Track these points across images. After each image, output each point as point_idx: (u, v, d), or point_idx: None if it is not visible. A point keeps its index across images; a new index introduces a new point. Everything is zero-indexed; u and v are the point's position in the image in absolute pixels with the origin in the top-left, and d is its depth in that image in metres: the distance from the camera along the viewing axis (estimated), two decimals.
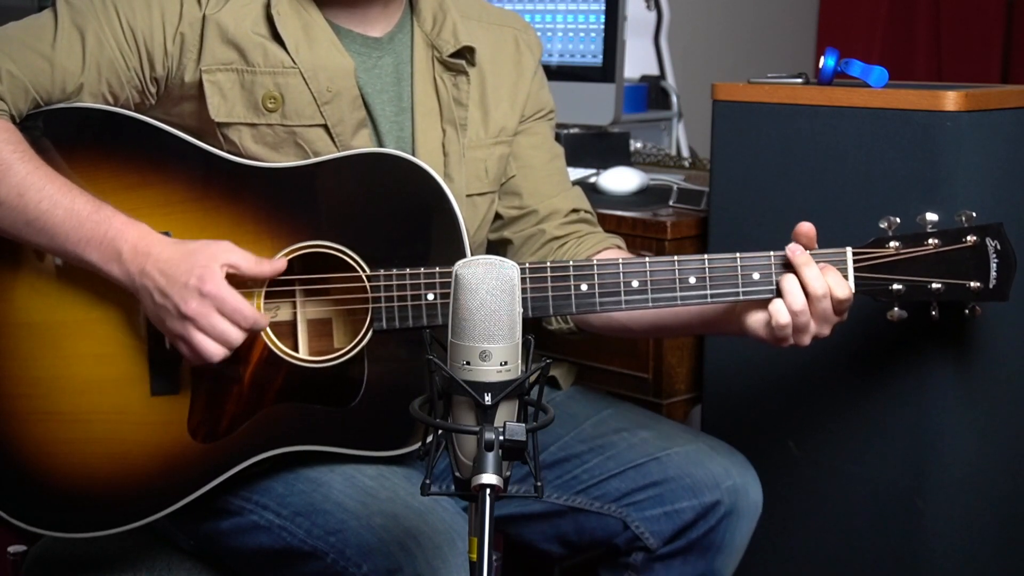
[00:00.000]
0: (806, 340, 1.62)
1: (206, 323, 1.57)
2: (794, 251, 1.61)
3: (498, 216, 1.89)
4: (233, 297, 1.58)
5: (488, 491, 1.21)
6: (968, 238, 1.61)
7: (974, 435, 1.89)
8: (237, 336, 1.59)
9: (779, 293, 1.61)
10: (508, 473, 1.27)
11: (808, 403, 2.00)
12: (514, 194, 1.89)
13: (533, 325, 1.80)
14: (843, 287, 1.60)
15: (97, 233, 1.59)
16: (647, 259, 1.66)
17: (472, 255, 1.68)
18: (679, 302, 1.64)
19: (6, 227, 1.61)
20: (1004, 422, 1.93)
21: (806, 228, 1.62)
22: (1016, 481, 1.97)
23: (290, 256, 1.66)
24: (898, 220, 1.63)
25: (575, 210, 1.89)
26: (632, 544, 1.81)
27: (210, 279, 1.57)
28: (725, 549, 1.80)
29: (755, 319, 1.64)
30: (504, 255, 1.88)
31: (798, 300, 1.59)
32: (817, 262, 1.61)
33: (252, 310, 1.60)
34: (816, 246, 1.63)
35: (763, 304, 1.63)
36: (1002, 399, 1.92)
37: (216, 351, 1.59)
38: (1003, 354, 1.90)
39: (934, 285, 1.62)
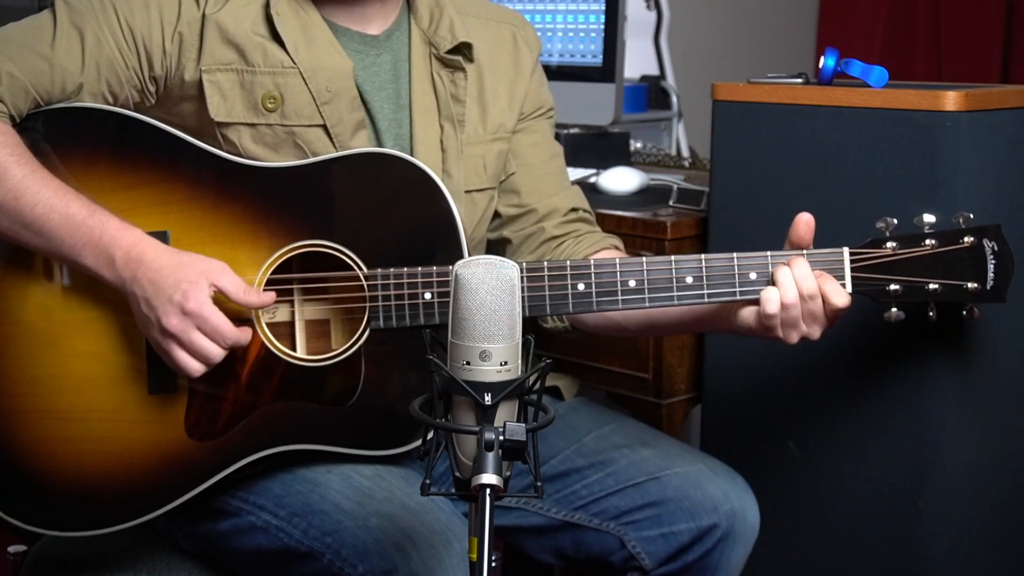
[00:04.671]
0: (794, 337, 1.61)
1: (186, 339, 1.58)
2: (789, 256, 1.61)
3: (497, 215, 1.89)
4: (214, 316, 1.58)
5: (488, 491, 1.21)
6: (965, 239, 1.61)
7: (974, 435, 1.89)
8: (216, 354, 1.59)
9: (772, 284, 1.61)
10: (508, 473, 1.27)
11: (808, 403, 1.99)
12: (513, 192, 1.88)
13: (530, 324, 1.80)
14: (841, 295, 1.59)
15: (92, 238, 1.60)
16: (644, 259, 1.65)
17: (471, 253, 1.69)
18: (676, 302, 1.64)
19: (3, 230, 1.62)
20: (1004, 422, 1.93)
21: (806, 217, 1.62)
22: (1016, 481, 1.97)
23: (288, 256, 1.66)
24: (895, 221, 1.63)
25: (574, 209, 1.89)
26: (628, 563, 1.81)
27: (194, 297, 1.57)
28: (720, 572, 1.80)
29: (747, 311, 1.64)
30: (503, 254, 1.88)
31: (790, 293, 1.59)
32: (814, 265, 1.61)
33: (232, 330, 1.60)
34: (812, 237, 1.63)
35: (756, 302, 1.63)
36: (1001, 400, 1.92)
37: (195, 367, 1.60)
38: (1002, 355, 1.90)
39: (931, 286, 1.62)
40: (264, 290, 1.65)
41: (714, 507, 1.77)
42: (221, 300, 1.60)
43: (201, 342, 1.58)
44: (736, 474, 1.83)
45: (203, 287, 1.58)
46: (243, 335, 1.61)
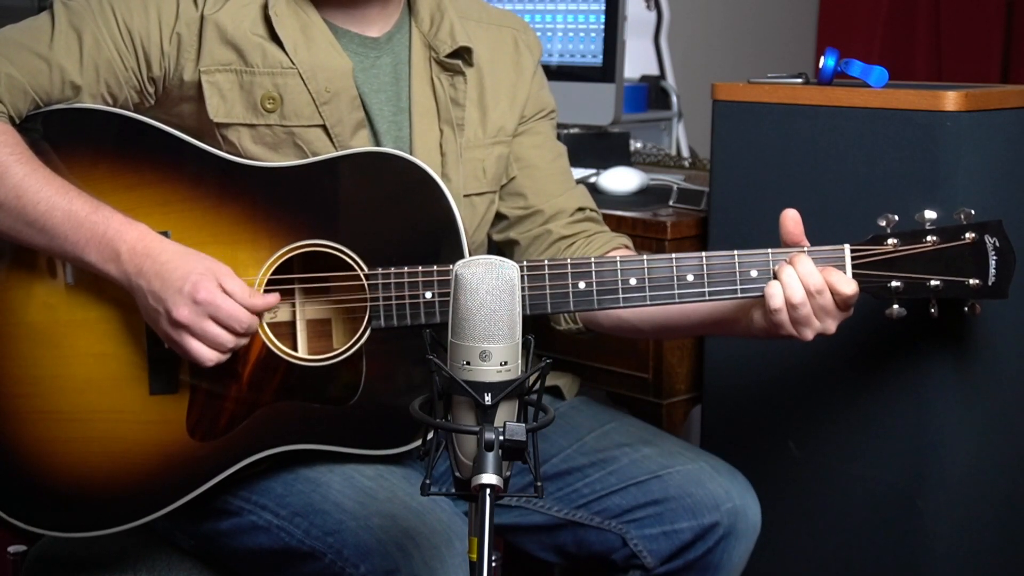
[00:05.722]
0: (809, 334, 1.60)
1: (198, 329, 1.58)
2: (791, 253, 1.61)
3: (504, 217, 1.89)
4: (227, 304, 1.58)
5: (488, 491, 1.21)
6: (967, 235, 1.61)
7: (974, 435, 1.89)
8: (231, 341, 1.59)
9: (775, 279, 1.60)
10: (508, 473, 1.27)
11: (808, 403, 1.99)
12: (518, 195, 1.88)
13: (540, 324, 1.80)
14: (848, 283, 1.59)
15: (96, 234, 1.60)
16: (645, 256, 1.65)
17: (471, 255, 1.69)
18: (677, 300, 1.64)
19: (5, 228, 1.62)
20: (1004, 422, 1.93)
21: (792, 213, 1.61)
22: (1016, 481, 1.97)
23: (288, 256, 1.67)
24: (896, 217, 1.63)
25: (581, 208, 1.89)
26: (629, 561, 1.81)
27: (204, 287, 1.57)
28: (722, 570, 1.80)
29: (759, 312, 1.64)
30: (512, 256, 1.88)
31: (798, 291, 1.58)
32: (815, 262, 1.60)
33: (247, 315, 1.60)
34: (802, 230, 1.62)
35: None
36: (1002, 399, 1.92)
37: (210, 356, 1.59)
38: (1003, 354, 1.90)
39: (933, 282, 1.62)
40: (266, 291, 1.65)
41: (716, 505, 1.77)
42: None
43: (214, 330, 1.58)
44: (737, 472, 1.83)
45: (212, 278, 1.58)
46: (255, 321, 1.61)
